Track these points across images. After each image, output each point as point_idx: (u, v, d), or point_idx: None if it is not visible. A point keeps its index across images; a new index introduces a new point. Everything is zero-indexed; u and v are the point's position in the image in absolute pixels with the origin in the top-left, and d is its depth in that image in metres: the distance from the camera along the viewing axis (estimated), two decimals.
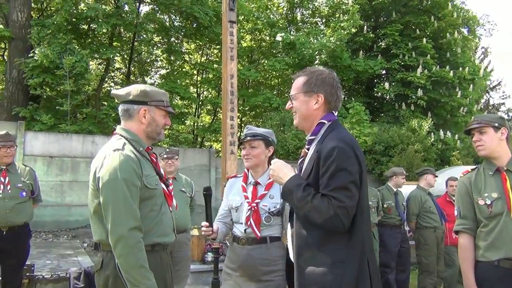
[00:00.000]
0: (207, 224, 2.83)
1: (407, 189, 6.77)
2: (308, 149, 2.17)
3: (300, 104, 2.17)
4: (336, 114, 2.19)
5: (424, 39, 15.77)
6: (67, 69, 11.46)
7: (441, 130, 14.87)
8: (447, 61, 16.15)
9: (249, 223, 2.87)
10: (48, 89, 12.58)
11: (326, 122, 2.12)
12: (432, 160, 13.26)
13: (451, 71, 15.40)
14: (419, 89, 15.03)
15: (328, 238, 1.94)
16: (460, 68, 15.98)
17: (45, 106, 13.03)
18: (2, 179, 4.03)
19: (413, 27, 16.46)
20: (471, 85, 16.37)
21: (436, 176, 6.67)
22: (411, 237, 6.75)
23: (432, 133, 14.48)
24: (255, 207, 2.88)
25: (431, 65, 15.52)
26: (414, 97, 15.31)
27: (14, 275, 4.11)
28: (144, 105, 2.29)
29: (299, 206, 1.98)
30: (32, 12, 13.78)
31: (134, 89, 2.32)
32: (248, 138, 2.97)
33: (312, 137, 2.14)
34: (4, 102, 12.81)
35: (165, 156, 4.55)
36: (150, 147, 2.37)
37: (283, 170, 2.12)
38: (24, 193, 4.10)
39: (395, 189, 6.46)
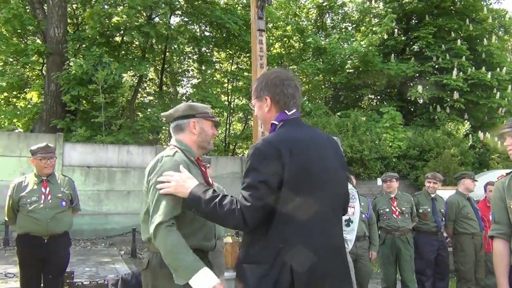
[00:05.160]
0: None
1: (446, 194, 6.58)
2: None
3: (257, 110, 2.19)
4: (292, 112, 2.10)
5: (459, 41, 15.39)
6: (100, 82, 11.79)
7: (479, 132, 14.43)
8: (482, 62, 15.70)
9: None
10: (84, 102, 12.97)
11: (276, 123, 2.08)
12: (469, 164, 12.87)
13: (489, 73, 14.93)
14: (455, 92, 14.64)
15: (252, 238, 1.93)
16: (498, 69, 15.50)
17: (82, 118, 13.42)
18: (43, 190, 4.15)
19: (446, 29, 16.08)
20: (510, 86, 15.85)
21: (476, 181, 6.45)
22: (449, 244, 6.57)
23: (470, 135, 14.06)
24: None
25: (466, 67, 15.11)
26: (449, 100, 14.94)
27: (54, 282, 4.22)
28: (192, 118, 2.46)
29: (206, 209, 1.95)
30: (68, 27, 14.27)
31: (180, 106, 2.52)
32: None
33: None
34: (43, 115, 13.27)
35: None
36: (199, 158, 2.51)
37: (187, 182, 2.10)
38: (64, 203, 4.21)
39: (432, 195, 6.25)
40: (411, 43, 16.33)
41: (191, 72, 19.14)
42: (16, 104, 16.06)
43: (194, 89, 17.00)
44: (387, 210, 5.98)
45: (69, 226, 4.29)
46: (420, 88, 15.12)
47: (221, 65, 18.98)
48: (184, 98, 16.95)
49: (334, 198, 2.02)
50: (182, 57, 17.58)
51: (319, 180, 1.95)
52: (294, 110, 2.11)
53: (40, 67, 15.33)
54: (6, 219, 4.25)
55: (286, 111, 2.10)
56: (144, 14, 14.80)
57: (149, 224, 2.17)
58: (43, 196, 4.12)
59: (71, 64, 11.87)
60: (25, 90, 15.97)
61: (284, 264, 1.83)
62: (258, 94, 2.16)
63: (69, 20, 14.74)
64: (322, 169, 1.97)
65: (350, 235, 3.60)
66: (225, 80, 18.63)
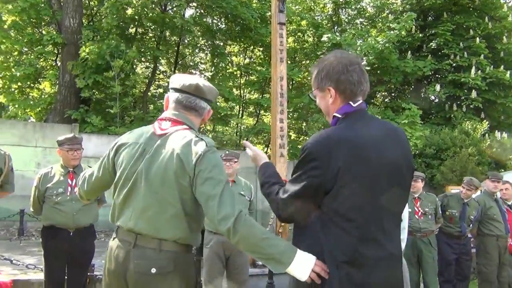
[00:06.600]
0: None
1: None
2: None
3: (320, 102, 2.01)
4: (357, 103, 1.91)
5: (477, 39, 15.16)
6: (116, 71, 11.75)
7: (496, 131, 14.23)
8: (501, 61, 15.47)
9: None
10: (97, 91, 12.93)
11: (338, 115, 1.91)
12: (486, 164, 12.69)
13: (508, 71, 14.69)
14: (473, 91, 14.42)
15: (297, 231, 1.92)
16: None
17: (95, 109, 13.39)
18: (70, 181, 4.08)
19: (464, 26, 15.85)
20: None
21: (498, 181, 6.23)
22: (473, 243, 6.44)
23: (487, 135, 13.87)
24: None
25: (484, 65, 14.88)
26: (466, 99, 14.73)
27: (79, 275, 4.16)
28: (209, 105, 2.25)
29: (263, 188, 2.01)
30: (83, 18, 14.22)
31: (215, 89, 2.26)
32: None
33: None
34: (57, 105, 13.25)
35: (223, 158, 4.52)
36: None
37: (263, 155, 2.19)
38: None
39: (465, 199, 6.01)
40: (428, 40, 16.11)
41: (203, 66, 19.06)
42: (30, 94, 16.06)
43: None
44: (409, 210, 5.83)
45: (94, 219, 4.22)
46: (438, 86, 14.91)
47: (233, 58, 18.86)
48: None
49: (393, 203, 1.85)
50: (195, 50, 17.49)
51: (377, 183, 1.78)
52: (360, 101, 1.93)
53: (54, 58, 15.31)
54: (32, 209, 4.19)
55: (351, 102, 1.91)
56: (159, 6, 14.72)
57: (215, 220, 1.89)
58: (69, 188, 4.05)
59: (87, 50, 11.79)
60: (38, 80, 15.95)
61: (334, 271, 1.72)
62: (320, 84, 1.96)
63: (84, 11, 14.69)
64: (382, 170, 1.79)
65: (402, 234, 3.46)
66: (237, 74, 18.52)
